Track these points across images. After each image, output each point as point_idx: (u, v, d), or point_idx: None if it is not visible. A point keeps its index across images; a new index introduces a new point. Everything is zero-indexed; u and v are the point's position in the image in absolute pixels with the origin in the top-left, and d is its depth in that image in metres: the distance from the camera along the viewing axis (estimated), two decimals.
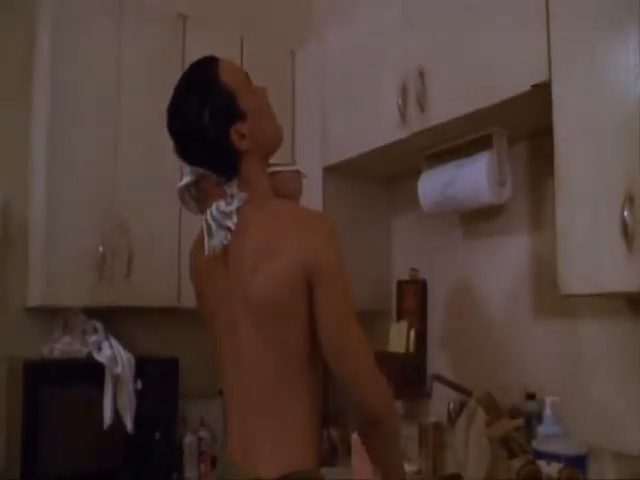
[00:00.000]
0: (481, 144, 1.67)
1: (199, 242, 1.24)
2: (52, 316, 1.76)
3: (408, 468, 1.86)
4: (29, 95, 1.83)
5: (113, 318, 1.76)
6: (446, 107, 1.60)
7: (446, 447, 1.86)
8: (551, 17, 1.40)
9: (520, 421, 1.50)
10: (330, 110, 2.10)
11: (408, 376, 1.99)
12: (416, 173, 1.91)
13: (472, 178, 1.66)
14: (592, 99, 1.29)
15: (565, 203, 1.32)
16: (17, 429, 1.54)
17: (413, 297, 2.06)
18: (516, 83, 1.44)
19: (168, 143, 1.17)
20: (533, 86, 1.39)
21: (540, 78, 1.38)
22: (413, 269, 2.07)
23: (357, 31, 2.00)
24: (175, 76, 1.15)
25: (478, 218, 1.85)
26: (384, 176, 2.16)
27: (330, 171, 2.08)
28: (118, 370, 1.59)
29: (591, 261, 1.25)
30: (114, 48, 1.78)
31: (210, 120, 1.15)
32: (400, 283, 2.11)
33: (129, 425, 1.60)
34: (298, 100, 2.27)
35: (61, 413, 1.56)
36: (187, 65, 1.19)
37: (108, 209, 1.71)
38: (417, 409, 2.01)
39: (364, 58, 1.95)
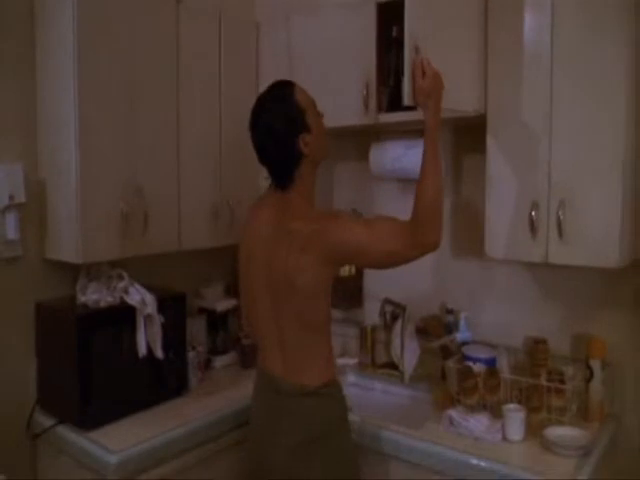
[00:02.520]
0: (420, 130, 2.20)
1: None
2: (72, 267, 2.07)
3: (350, 361, 2.56)
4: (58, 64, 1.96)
5: (128, 265, 2.12)
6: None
7: (381, 344, 2.53)
8: (489, 57, 1.91)
9: (453, 336, 2.18)
10: (297, 73, 2.36)
11: (351, 292, 2.60)
12: (360, 135, 2.40)
13: (416, 158, 2.19)
14: (514, 132, 1.86)
15: (493, 200, 1.94)
16: (65, 366, 1.92)
17: None
18: (457, 106, 1.93)
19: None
20: (473, 116, 1.92)
21: (479, 110, 1.91)
22: (354, 209, 2.61)
23: (324, 23, 2.28)
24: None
25: (412, 183, 2.40)
26: (333, 135, 2.60)
27: None
28: (148, 310, 2.01)
29: (508, 241, 1.90)
30: (132, 21, 2.01)
31: (285, 126, 1.60)
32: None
33: (159, 352, 2.05)
34: (262, 69, 2.51)
35: (106, 351, 1.95)
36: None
37: (128, 177, 2.02)
38: (357, 316, 2.64)
39: (330, 47, 2.25)
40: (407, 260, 1.62)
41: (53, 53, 1.97)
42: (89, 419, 1.91)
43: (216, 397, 2.20)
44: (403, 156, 2.23)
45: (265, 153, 1.66)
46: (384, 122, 2.15)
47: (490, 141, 1.92)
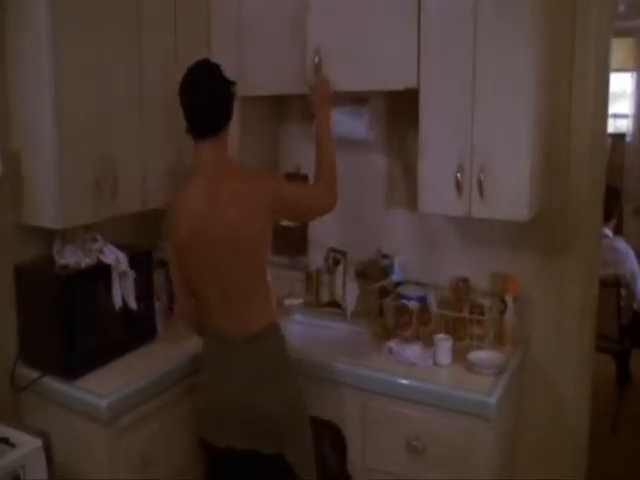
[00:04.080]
0: (362, 99, 2.48)
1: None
2: (45, 232, 2.19)
3: (296, 301, 2.87)
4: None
5: (98, 228, 2.29)
6: (341, 80, 2.28)
7: (324, 286, 2.84)
8: (422, 33, 2.16)
9: (391, 278, 2.52)
10: (245, 48, 2.55)
11: (297, 241, 2.88)
12: (304, 100, 2.62)
13: (355, 122, 2.48)
14: (443, 104, 2.14)
15: (424, 163, 2.22)
16: (49, 322, 2.10)
17: None
18: (393, 83, 2.22)
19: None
20: (405, 89, 2.20)
21: (412, 84, 2.18)
22: (297, 167, 2.85)
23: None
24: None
25: (353, 144, 2.65)
26: (279, 99, 2.81)
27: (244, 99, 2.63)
28: (122, 267, 2.21)
29: (438, 198, 2.20)
30: None
31: (227, 88, 1.97)
32: (287, 175, 2.89)
33: (133, 304, 2.27)
34: (214, 40, 2.63)
35: (86, 306, 2.14)
36: None
37: (99, 144, 2.16)
38: (302, 262, 2.92)
39: (278, 19, 2.45)
40: (322, 214, 2.16)
41: (26, 21, 2.03)
42: (73, 369, 2.12)
43: (181, 341, 2.43)
44: (343, 121, 2.47)
45: (203, 103, 1.93)
46: None
47: (422, 111, 2.19)
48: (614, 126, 7.85)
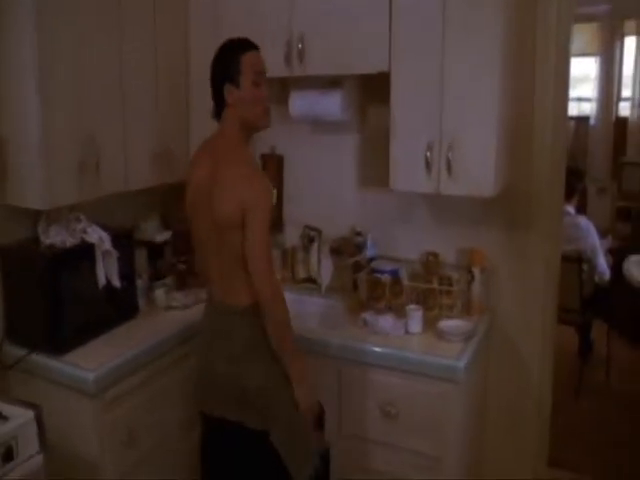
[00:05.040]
0: (337, 81, 2.58)
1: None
2: (29, 213, 2.25)
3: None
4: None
5: (82, 208, 2.34)
6: (318, 64, 2.40)
7: (300, 262, 2.94)
8: (393, 19, 2.26)
9: (364, 254, 2.63)
10: (223, 31, 2.61)
11: (273, 219, 2.94)
12: (279, 82, 2.70)
13: (330, 103, 2.58)
14: (413, 86, 2.24)
15: (396, 143, 2.33)
16: (36, 300, 2.17)
17: (273, 166, 2.96)
18: (367, 67, 2.32)
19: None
20: (379, 72, 2.30)
21: (383, 68, 2.28)
22: (272, 148, 2.94)
23: None
24: None
25: (327, 124, 2.76)
26: None
27: None
28: (105, 246, 2.28)
29: (409, 176, 2.32)
30: None
31: (218, 68, 1.95)
32: (263, 156, 2.97)
33: (116, 282, 2.34)
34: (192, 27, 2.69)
35: (71, 284, 2.20)
36: None
37: (82, 125, 2.22)
38: (278, 239, 3.00)
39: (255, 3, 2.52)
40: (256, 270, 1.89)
41: (10, 10, 2.06)
42: (60, 345, 2.18)
43: (162, 317, 2.54)
44: (317, 103, 2.58)
45: (210, 84, 1.98)
46: (303, 75, 2.48)
47: (393, 94, 2.30)
48: (578, 109, 8.06)
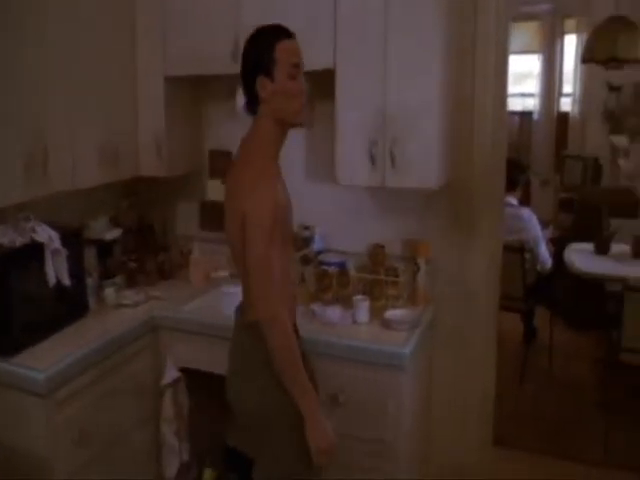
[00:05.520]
0: None
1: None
2: None
3: (223, 273, 2.98)
4: None
5: (31, 208, 2.30)
6: None
7: None
8: (338, 17, 2.31)
9: (311, 248, 2.69)
10: (170, 28, 2.64)
11: (222, 215, 2.96)
12: (228, 78, 2.71)
13: None
14: (357, 83, 2.32)
15: (341, 138, 2.39)
16: None
17: (222, 163, 2.98)
18: (312, 64, 2.31)
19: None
20: (324, 69, 2.35)
21: (329, 64, 2.35)
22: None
23: None
24: None
25: None
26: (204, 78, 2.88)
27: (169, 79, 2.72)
28: (54, 245, 2.26)
29: (354, 170, 2.39)
30: None
31: (250, 60, 1.77)
32: (212, 152, 3.00)
33: (66, 280, 2.33)
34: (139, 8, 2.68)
35: (21, 284, 2.19)
36: None
37: (30, 122, 2.20)
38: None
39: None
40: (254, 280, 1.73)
41: None
42: (10, 346, 2.16)
43: (112, 315, 2.55)
44: None
45: (241, 76, 1.82)
46: None
47: (338, 90, 2.36)
48: (522, 105, 8.31)
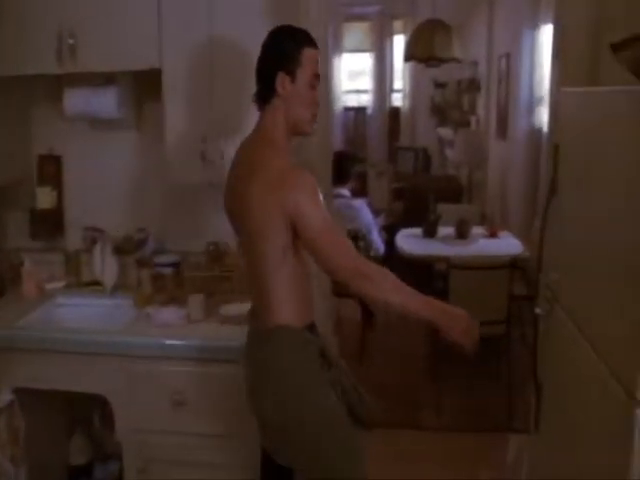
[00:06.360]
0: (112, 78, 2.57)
1: None
2: None
3: (58, 284, 2.86)
4: None
5: None
6: (92, 60, 2.39)
7: (85, 265, 2.87)
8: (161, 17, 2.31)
9: (146, 250, 2.66)
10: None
11: (53, 222, 2.84)
12: (53, 78, 2.61)
13: (106, 100, 2.56)
14: (184, 82, 2.33)
15: (170, 137, 2.41)
16: None
17: (51, 168, 2.84)
18: (138, 63, 2.37)
19: None
20: (151, 69, 2.35)
21: (155, 64, 2.35)
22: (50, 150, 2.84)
23: None
24: None
25: (104, 123, 2.74)
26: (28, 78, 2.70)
27: None
28: None
29: (185, 168, 2.42)
30: None
31: (275, 53, 1.78)
32: (41, 157, 2.84)
33: None
34: None
35: None
36: None
37: None
38: (60, 243, 2.90)
39: None
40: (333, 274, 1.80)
41: None
42: None
43: None
44: (92, 100, 2.55)
45: (258, 66, 1.83)
46: (76, 71, 2.45)
47: (165, 89, 2.38)
48: (357, 101, 8.72)
